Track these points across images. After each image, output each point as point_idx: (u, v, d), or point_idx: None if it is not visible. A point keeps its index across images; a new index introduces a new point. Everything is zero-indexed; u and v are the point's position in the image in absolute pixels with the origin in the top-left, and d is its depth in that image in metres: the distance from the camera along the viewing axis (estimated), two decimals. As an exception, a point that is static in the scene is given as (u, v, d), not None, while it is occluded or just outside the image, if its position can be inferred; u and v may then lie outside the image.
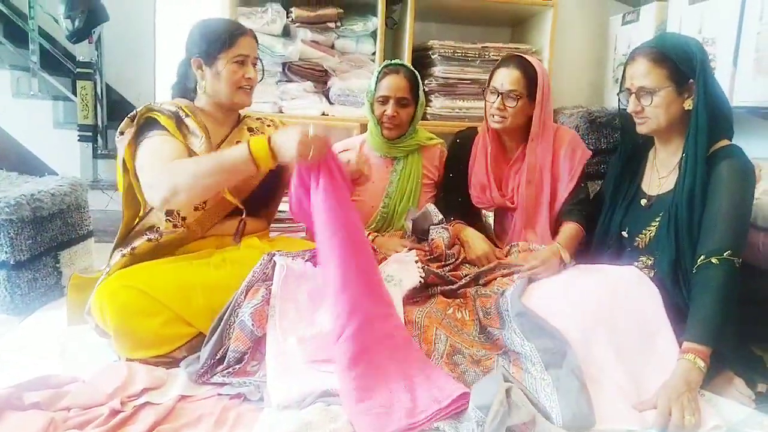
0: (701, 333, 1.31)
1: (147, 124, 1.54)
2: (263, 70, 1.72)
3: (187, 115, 1.56)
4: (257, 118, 1.84)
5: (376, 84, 1.92)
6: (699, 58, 1.45)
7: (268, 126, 1.82)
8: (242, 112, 1.80)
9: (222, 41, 1.57)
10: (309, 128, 1.38)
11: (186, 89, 1.69)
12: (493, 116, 1.81)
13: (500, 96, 1.78)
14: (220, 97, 1.63)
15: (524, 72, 1.78)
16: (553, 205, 1.85)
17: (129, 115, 1.54)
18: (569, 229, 1.77)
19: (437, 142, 2.08)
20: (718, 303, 1.33)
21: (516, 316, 1.39)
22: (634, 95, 1.52)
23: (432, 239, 1.76)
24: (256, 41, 1.68)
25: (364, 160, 2.01)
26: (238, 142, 1.68)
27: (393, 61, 1.99)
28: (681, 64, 1.46)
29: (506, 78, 1.78)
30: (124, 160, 1.53)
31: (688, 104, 1.47)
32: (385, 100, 1.90)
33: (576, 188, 1.83)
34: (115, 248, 1.57)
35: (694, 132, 1.46)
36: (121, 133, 1.53)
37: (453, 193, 1.99)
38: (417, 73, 1.98)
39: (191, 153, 1.52)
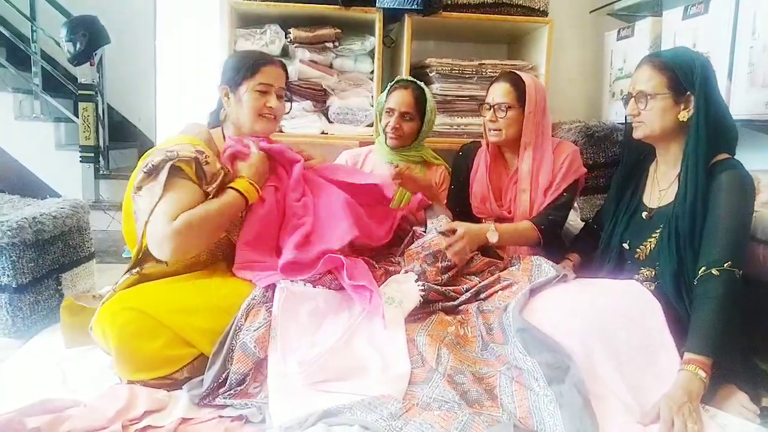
0: (702, 343, 1.31)
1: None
2: (291, 101, 1.75)
3: (206, 162, 1.51)
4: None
5: (386, 96, 2.06)
6: (700, 73, 1.48)
7: None
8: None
9: (245, 69, 1.62)
10: (252, 147, 1.62)
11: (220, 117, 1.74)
12: (490, 130, 1.92)
13: (492, 109, 1.88)
14: (242, 124, 1.67)
15: (514, 84, 1.88)
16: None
17: (145, 170, 1.44)
18: (522, 224, 1.85)
19: (441, 163, 2.19)
20: (719, 314, 1.34)
21: (518, 331, 1.39)
22: (633, 98, 1.56)
23: (432, 239, 1.75)
24: (286, 73, 1.71)
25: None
26: None
27: (405, 77, 2.14)
28: (681, 75, 1.49)
29: (497, 92, 1.89)
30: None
31: (683, 116, 1.50)
32: (390, 112, 2.04)
33: (557, 198, 1.88)
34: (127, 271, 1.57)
35: (694, 144, 1.48)
36: (139, 189, 1.45)
37: (454, 204, 2.06)
38: (427, 91, 2.07)
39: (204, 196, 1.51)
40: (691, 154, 1.48)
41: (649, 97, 1.52)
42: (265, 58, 1.67)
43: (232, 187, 1.54)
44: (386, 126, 2.04)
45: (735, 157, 1.53)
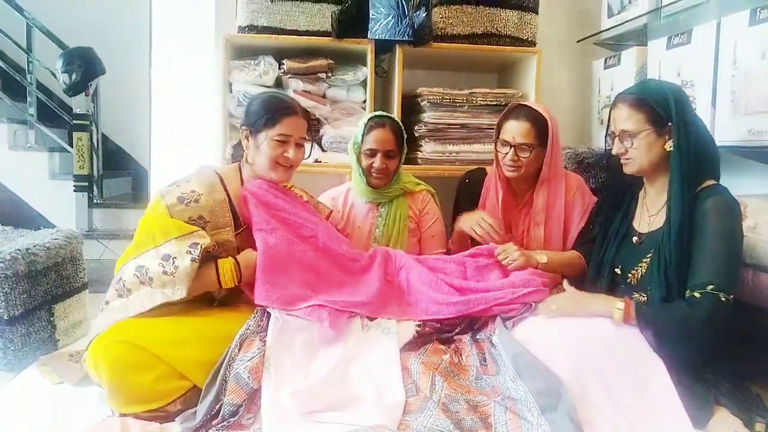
0: (645, 309, 1.43)
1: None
2: (311, 150, 1.77)
3: (175, 258, 1.48)
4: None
5: (362, 137, 1.99)
6: (674, 103, 1.51)
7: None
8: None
9: (265, 118, 1.64)
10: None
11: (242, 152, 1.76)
12: (508, 166, 1.89)
13: (513, 148, 1.86)
14: (259, 169, 1.69)
15: (534, 123, 1.86)
16: (565, 245, 1.92)
17: (117, 288, 1.49)
18: (569, 253, 1.84)
19: (423, 188, 2.14)
20: (683, 327, 1.39)
21: (513, 356, 1.39)
22: (617, 138, 1.59)
23: None
24: (307, 121, 1.72)
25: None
26: None
27: (378, 114, 2.07)
28: (658, 108, 1.52)
29: (517, 131, 1.86)
30: None
31: (669, 146, 1.52)
32: (372, 153, 1.97)
33: (585, 229, 1.89)
34: None
35: (673, 173, 1.51)
36: (107, 303, 1.51)
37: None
38: (401, 123, 2.06)
39: None
40: (674, 181, 1.51)
41: (632, 136, 1.55)
42: (287, 109, 1.66)
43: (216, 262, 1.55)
44: (369, 167, 1.98)
45: (721, 182, 1.56)
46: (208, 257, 1.54)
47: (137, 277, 1.47)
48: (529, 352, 1.39)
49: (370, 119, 2.01)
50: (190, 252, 1.47)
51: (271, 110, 1.65)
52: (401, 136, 2.03)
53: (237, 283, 1.56)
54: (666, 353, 1.40)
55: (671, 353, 1.39)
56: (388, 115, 2.10)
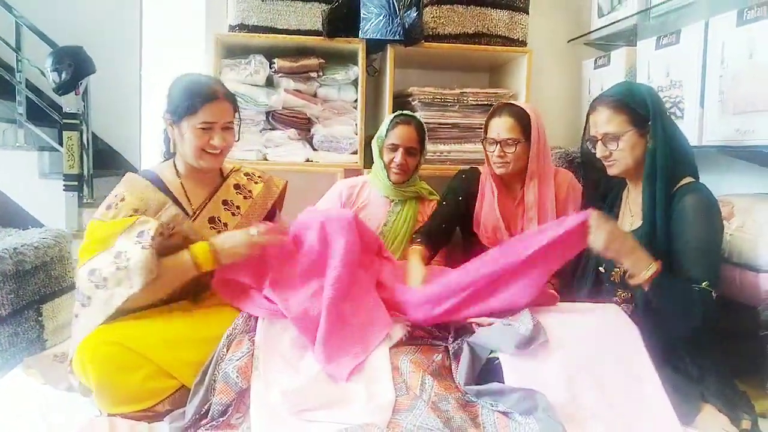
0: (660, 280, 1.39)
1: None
2: (239, 133, 1.68)
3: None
4: (246, 173, 1.81)
5: (387, 131, 2.06)
6: (650, 103, 1.54)
7: (256, 183, 1.79)
8: (229, 165, 1.80)
9: (185, 107, 1.54)
10: (252, 230, 1.53)
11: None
12: (496, 164, 1.94)
13: (499, 144, 1.90)
14: (187, 158, 1.62)
15: (517, 119, 1.90)
16: None
17: (80, 300, 1.44)
18: None
19: (435, 198, 2.20)
20: (687, 318, 1.39)
21: (477, 396, 1.36)
22: (600, 141, 1.60)
23: None
24: (232, 103, 1.63)
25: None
26: (224, 201, 1.69)
27: (404, 112, 2.14)
28: (639, 108, 1.55)
29: (501, 127, 1.91)
30: None
31: (651, 143, 1.54)
32: (394, 148, 2.05)
33: None
34: None
35: (651, 171, 1.53)
36: (76, 316, 1.47)
37: (446, 223, 2.04)
38: (424, 125, 2.13)
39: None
40: (649, 180, 1.53)
41: (616, 138, 1.56)
42: (207, 95, 1.55)
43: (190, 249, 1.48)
44: (390, 162, 2.05)
45: (710, 181, 1.58)
46: (175, 247, 1.49)
47: (92, 281, 1.41)
48: (485, 387, 1.36)
49: (396, 116, 2.10)
50: (138, 241, 1.41)
51: (191, 97, 1.54)
52: (423, 137, 2.10)
53: (216, 265, 1.49)
54: (655, 329, 1.43)
55: (661, 329, 1.43)
56: (414, 115, 2.16)
